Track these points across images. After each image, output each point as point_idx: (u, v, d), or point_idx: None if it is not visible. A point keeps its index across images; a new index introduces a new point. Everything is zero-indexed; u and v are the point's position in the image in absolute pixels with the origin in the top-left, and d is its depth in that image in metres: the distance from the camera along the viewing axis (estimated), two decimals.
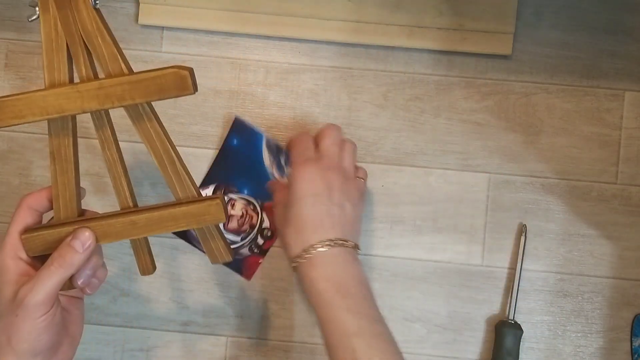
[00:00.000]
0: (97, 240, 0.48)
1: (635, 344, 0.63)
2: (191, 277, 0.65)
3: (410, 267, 0.64)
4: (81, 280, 0.48)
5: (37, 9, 0.43)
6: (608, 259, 0.64)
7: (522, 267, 0.63)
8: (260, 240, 0.58)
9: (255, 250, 0.59)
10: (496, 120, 0.65)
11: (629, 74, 0.64)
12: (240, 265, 0.60)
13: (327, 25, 0.63)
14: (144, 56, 0.65)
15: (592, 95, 0.64)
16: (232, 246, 0.53)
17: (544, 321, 0.64)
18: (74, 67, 0.45)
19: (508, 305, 0.64)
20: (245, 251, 0.59)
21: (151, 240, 0.65)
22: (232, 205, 0.56)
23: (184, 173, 0.48)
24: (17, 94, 0.44)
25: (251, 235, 0.59)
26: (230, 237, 0.57)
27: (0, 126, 0.45)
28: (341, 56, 0.65)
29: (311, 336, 0.65)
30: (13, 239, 0.48)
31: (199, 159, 0.65)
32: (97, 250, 0.49)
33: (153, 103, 0.46)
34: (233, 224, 0.58)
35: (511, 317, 0.63)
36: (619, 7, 0.64)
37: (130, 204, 0.50)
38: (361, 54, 0.65)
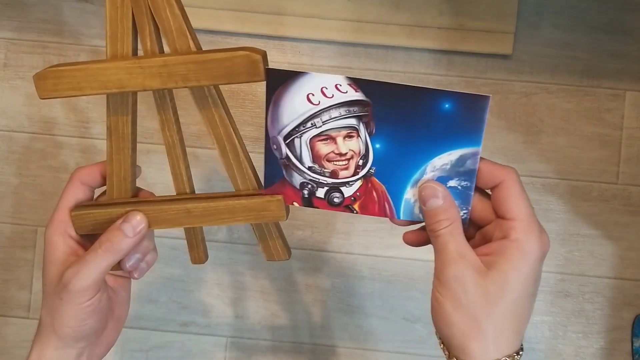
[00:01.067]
0: (148, 225, 0.45)
1: (636, 344, 0.63)
2: (191, 277, 0.65)
3: (410, 267, 0.64)
4: (130, 264, 0.46)
5: None
6: (609, 259, 0.64)
7: None
8: (319, 192, 0.43)
9: (305, 193, 0.43)
10: (496, 120, 0.64)
11: (630, 73, 0.64)
12: (273, 181, 0.44)
13: (327, 25, 0.63)
14: None
15: (593, 95, 0.64)
16: (294, 162, 0.42)
17: (545, 321, 0.64)
18: (138, 39, 0.42)
19: None
20: (296, 178, 0.43)
21: None
22: (350, 137, 0.41)
23: (247, 164, 0.44)
24: (76, 64, 0.40)
25: (321, 179, 0.43)
26: (306, 157, 0.43)
27: (56, 97, 0.41)
28: (341, 56, 0.64)
29: (311, 336, 0.65)
30: (62, 215, 0.45)
31: (199, 159, 0.65)
32: (148, 234, 0.46)
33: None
34: (325, 150, 0.42)
35: None
36: (619, 7, 0.64)
37: (187, 190, 0.46)
38: (361, 53, 0.65)
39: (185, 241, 0.48)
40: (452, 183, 0.41)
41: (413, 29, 0.63)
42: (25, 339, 0.66)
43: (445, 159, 0.41)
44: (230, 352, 0.65)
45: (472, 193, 0.41)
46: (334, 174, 0.42)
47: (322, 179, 0.43)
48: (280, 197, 0.44)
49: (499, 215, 0.40)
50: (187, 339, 0.65)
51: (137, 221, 0.44)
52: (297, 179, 0.43)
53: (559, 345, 0.64)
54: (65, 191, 0.46)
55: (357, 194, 0.43)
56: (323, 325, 0.65)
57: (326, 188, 0.43)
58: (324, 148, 0.42)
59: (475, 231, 0.43)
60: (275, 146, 0.42)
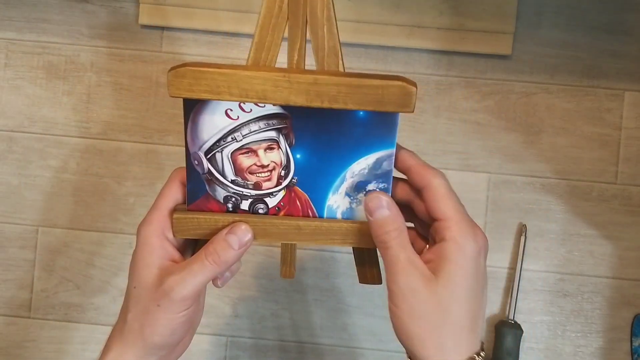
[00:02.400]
0: (256, 237, 0.43)
1: (635, 343, 0.63)
2: None
3: None
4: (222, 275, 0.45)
5: None
6: (608, 259, 0.64)
7: (522, 267, 0.63)
8: (243, 204, 0.43)
9: (229, 206, 0.43)
10: (496, 120, 0.65)
11: (629, 73, 0.64)
12: (196, 197, 0.44)
13: None
14: (144, 56, 0.65)
15: (593, 95, 0.64)
16: (216, 176, 0.42)
17: (544, 321, 0.64)
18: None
19: (508, 305, 0.64)
20: (220, 192, 0.43)
21: None
22: (270, 149, 0.42)
23: None
24: (218, 66, 0.38)
25: (245, 191, 0.43)
26: (228, 170, 0.43)
27: (189, 97, 0.39)
28: None
29: (311, 336, 0.65)
30: (161, 216, 0.42)
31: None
32: None
33: None
34: (247, 163, 0.42)
35: (511, 317, 0.63)
36: (619, 7, 0.64)
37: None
38: (361, 53, 0.65)
39: (281, 253, 0.47)
40: (371, 186, 0.42)
41: (413, 29, 0.63)
42: (26, 339, 0.66)
43: (362, 164, 0.42)
44: (230, 351, 0.65)
45: (390, 194, 0.42)
46: (257, 186, 0.42)
47: (245, 191, 0.43)
48: None
49: (433, 218, 0.40)
50: None
51: (243, 232, 0.42)
52: (221, 193, 0.43)
53: (558, 345, 0.64)
54: (164, 191, 0.44)
55: (281, 203, 0.43)
56: (323, 325, 0.65)
57: (250, 200, 0.43)
58: (245, 161, 0.42)
59: (414, 236, 0.43)
60: (196, 162, 0.42)
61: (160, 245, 0.42)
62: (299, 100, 0.39)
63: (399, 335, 0.39)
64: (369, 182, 0.42)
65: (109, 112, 0.65)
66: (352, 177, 0.42)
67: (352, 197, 0.43)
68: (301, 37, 0.40)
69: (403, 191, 0.43)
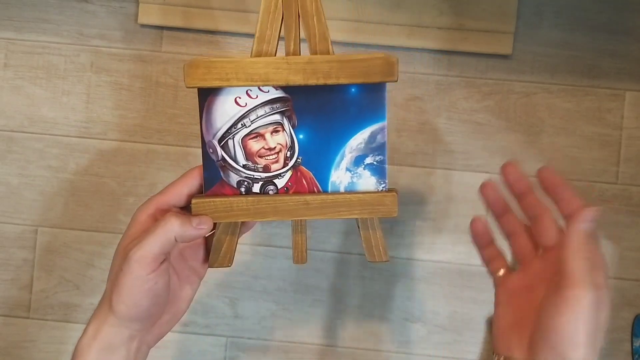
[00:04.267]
0: (267, 216, 0.47)
1: (636, 344, 0.63)
2: None
3: (410, 267, 0.64)
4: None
5: None
6: (608, 259, 0.64)
7: None
8: (255, 187, 0.47)
9: (242, 190, 0.47)
10: (496, 120, 0.64)
11: (630, 73, 0.64)
12: (212, 183, 0.48)
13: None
14: (144, 56, 0.65)
15: (593, 95, 0.64)
16: (230, 162, 0.47)
17: None
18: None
19: None
20: (233, 177, 0.47)
21: None
22: (276, 131, 0.47)
23: None
24: (226, 56, 0.46)
25: (256, 174, 0.47)
26: (240, 156, 0.47)
27: (202, 86, 0.45)
28: None
29: (311, 336, 0.65)
30: (159, 200, 0.47)
31: (199, 159, 0.64)
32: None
33: None
34: (256, 147, 0.47)
35: None
36: (619, 7, 0.64)
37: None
38: None
39: (292, 236, 0.50)
40: (369, 160, 0.47)
41: (413, 29, 0.63)
42: (25, 339, 0.66)
43: (359, 139, 0.47)
44: (230, 352, 0.65)
45: (387, 166, 0.47)
46: (266, 169, 0.47)
47: (256, 174, 0.47)
48: (394, 193, 0.48)
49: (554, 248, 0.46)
50: (187, 338, 0.65)
51: (204, 219, 0.46)
52: (234, 178, 0.47)
53: None
54: (173, 184, 0.48)
55: (289, 183, 0.48)
56: (323, 325, 0.65)
57: (261, 182, 0.48)
58: (255, 145, 0.47)
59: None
60: (211, 150, 0.47)
61: (145, 221, 0.46)
62: (297, 79, 0.44)
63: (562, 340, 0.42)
64: (367, 155, 0.47)
65: (108, 112, 0.65)
66: (350, 152, 0.47)
67: (352, 172, 0.47)
68: (295, 28, 0.46)
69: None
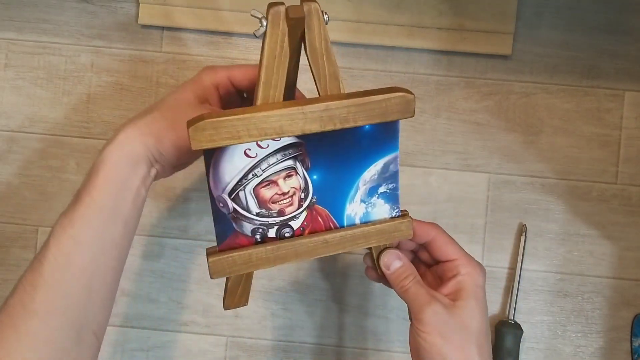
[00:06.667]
0: (288, 260, 0.46)
1: (635, 344, 0.63)
2: (191, 277, 0.65)
3: None
4: None
5: (263, 21, 0.40)
6: (608, 259, 0.64)
7: (522, 267, 0.63)
8: (270, 232, 0.45)
9: (257, 237, 0.45)
10: (496, 120, 0.65)
11: (629, 74, 0.64)
12: (225, 236, 0.45)
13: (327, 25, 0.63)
14: (144, 56, 0.65)
15: (592, 95, 0.64)
16: (242, 213, 0.44)
17: (544, 321, 0.64)
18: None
19: (508, 305, 0.64)
20: (247, 227, 0.45)
21: (149, 240, 0.65)
22: (289, 176, 0.44)
23: None
24: (234, 112, 0.40)
25: (270, 220, 0.45)
26: (252, 205, 0.44)
27: (213, 147, 0.40)
28: (341, 56, 0.65)
29: (311, 336, 0.65)
30: (233, 74, 0.49)
31: (199, 159, 0.65)
32: None
33: None
34: (269, 194, 0.44)
35: (511, 317, 0.63)
36: (619, 7, 0.64)
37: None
38: (361, 54, 0.65)
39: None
40: (382, 189, 0.46)
41: (412, 30, 0.63)
42: None
43: (372, 171, 0.46)
44: (230, 351, 0.65)
45: (399, 192, 0.47)
46: (281, 213, 0.45)
47: (270, 220, 0.45)
48: (409, 218, 0.48)
49: (441, 260, 0.50)
50: (187, 338, 0.65)
51: None
52: (248, 227, 0.45)
53: (558, 345, 0.64)
54: (254, 66, 0.47)
55: (305, 223, 0.46)
56: (323, 325, 0.65)
57: (276, 227, 0.45)
58: (267, 192, 0.44)
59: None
60: (221, 204, 0.43)
61: (210, 89, 0.48)
62: (313, 128, 0.41)
63: (432, 357, 0.46)
64: (380, 185, 0.46)
65: (109, 112, 0.65)
66: (364, 184, 0.46)
67: (366, 202, 0.47)
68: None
69: (409, 245, 0.52)
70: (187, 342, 0.65)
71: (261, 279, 0.65)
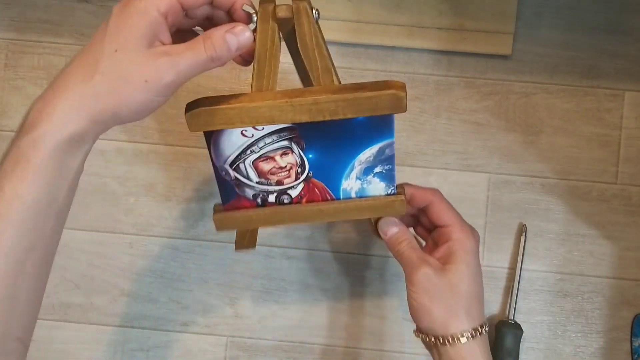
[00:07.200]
0: (285, 222, 0.50)
1: (635, 344, 0.63)
2: (191, 277, 0.65)
3: None
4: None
5: (254, 17, 0.41)
6: (608, 259, 0.64)
7: (522, 267, 0.63)
8: (270, 198, 0.50)
9: (259, 201, 0.50)
10: (496, 120, 0.65)
11: (629, 74, 0.64)
12: (229, 199, 0.50)
13: (327, 25, 0.63)
14: None
15: (592, 95, 0.64)
16: (243, 181, 0.48)
17: (544, 321, 0.64)
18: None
19: (508, 305, 0.64)
20: (248, 192, 0.49)
21: (150, 240, 0.65)
22: (285, 154, 0.47)
23: None
24: (229, 101, 0.43)
25: (269, 188, 0.49)
26: (252, 175, 0.48)
27: (209, 129, 0.44)
28: (341, 56, 0.65)
29: (311, 336, 0.65)
30: None
31: (199, 159, 0.65)
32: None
33: None
34: (267, 167, 0.48)
35: (511, 317, 0.63)
36: (619, 7, 0.64)
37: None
38: (361, 54, 0.65)
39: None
40: (378, 169, 0.49)
41: (412, 30, 0.63)
42: None
43: (368, 154, 0.48)
44: (230, 351, 0.65)
45: (395, 173, 0.49)
46: (279, 182, 0.49)
47: (270, 188, 0.49)
48: (403, 197, 0.50)
49: (437, 225, 0.52)
50: (187, 338, 0.65)
51: (241, 31, 0.40)
52: (249, 192, 0.49)
53: (558, 345, 0.64)
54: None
55: (302, 193, 0.50)
56: (323, 325, 0.65)
57: (275, 194, 0.50)
58: (265, 166, 0.48)
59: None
60: (223, 172, 0.48)
61: (158, 21, 0.38)
62: (303, 118, 0.44)
63: (421, 317, 0.49)
64: (376, 166, 0.49)
65: None
66: (360, 164, 0.48)
67: (362, 180, 0.49)
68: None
69: (409, 209, 0.53)
70: (187, 342, 0.65)
71: (262, 279, 0.65)
